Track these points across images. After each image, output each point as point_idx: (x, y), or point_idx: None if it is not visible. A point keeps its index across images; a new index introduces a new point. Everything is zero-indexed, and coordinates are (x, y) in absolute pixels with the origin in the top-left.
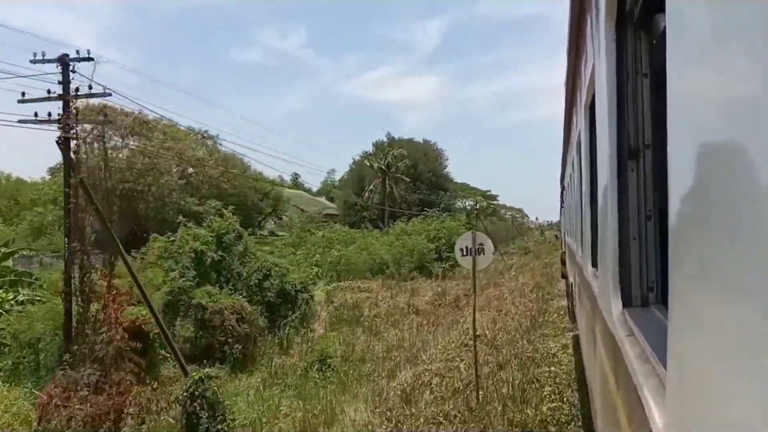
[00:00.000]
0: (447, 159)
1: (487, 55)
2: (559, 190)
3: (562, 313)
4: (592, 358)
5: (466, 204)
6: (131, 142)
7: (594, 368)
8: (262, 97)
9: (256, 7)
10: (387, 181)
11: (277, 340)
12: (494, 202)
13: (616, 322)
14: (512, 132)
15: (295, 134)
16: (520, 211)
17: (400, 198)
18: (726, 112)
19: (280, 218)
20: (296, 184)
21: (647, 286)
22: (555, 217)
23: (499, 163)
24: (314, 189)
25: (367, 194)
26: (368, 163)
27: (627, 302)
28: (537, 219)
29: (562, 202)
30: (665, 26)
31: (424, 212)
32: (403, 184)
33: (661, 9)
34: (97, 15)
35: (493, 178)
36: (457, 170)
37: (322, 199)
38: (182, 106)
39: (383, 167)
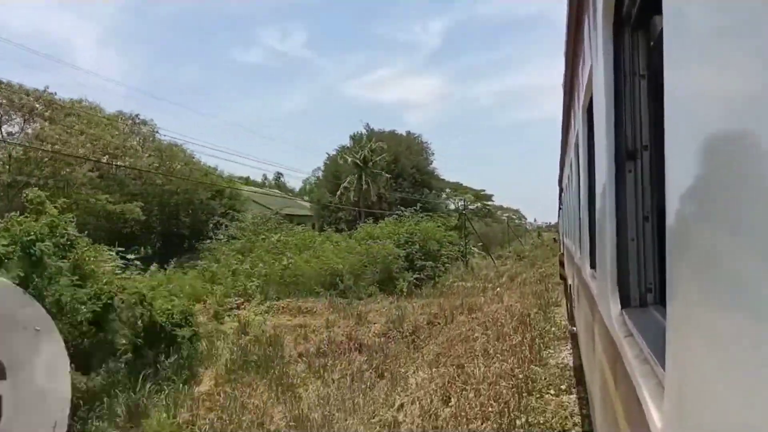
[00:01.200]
0: (433, 154)
1: (488, 54)
2: (558, 191)
3: (563, 386)
4: (591, 359)
5: (458, 203)
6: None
7: (593, 369)
8: (261, 98)
9: (255, 8)
10: (364, 178)
11: (124, 406)
12: (489, 203)
13: (614, 322)
14: (512, 132)
15: (295, 135)
16: (517, 212)
17: (377, 196)
18: (724, 113)
19: (238, 220)
20: (278, 184)
21: (645, 286)
22: (554, 219)
23: (498, 163)
24: (298, 189)
25: (340, 192)
26: (343, 159)
27: (625, 303)
28: (535, 220)
29: (560, 203)
30: (662, 28)
31: (397, 212)
32: (383, 180)
33: (659, 11)
34: (97, 15)
35: (492, 179)
36: (456, 170)
37: (299, 200)
38: (168, 112)
39: (359, 161)
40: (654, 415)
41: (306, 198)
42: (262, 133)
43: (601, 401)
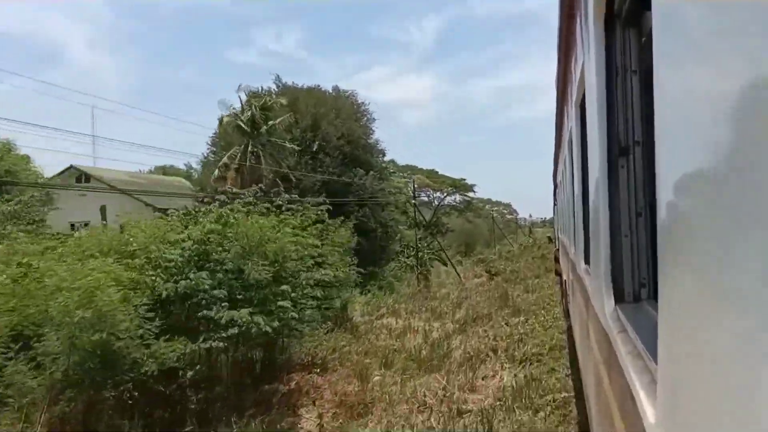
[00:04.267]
0: (374, 120)
1: (484, 52)
2: (552, 187)
3: None
4: (585, 354)
5: (409, 189)
6: None
7: (587, 364)
8: None
9: (250, 8)
10: (259, 150)
11: None
12: (469, 195)
13: (608, 318)
14: (509, 127)
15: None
16: (508, 206)
17: (278, 178)
18: (714, 109)
19: None
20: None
21: (639, 282)
22: (549, 214)
23: (495, 159)
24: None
25: (217, 173)
26: (223, 120)
27: (619, 298)
28: (530, 216)
29: (555, 199)
30: (653, 23)
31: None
32: (285, 154)
33: (650, 7)
34: (92, 16)
35: (490, 175)
36: (455, 168)
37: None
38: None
39: (244, 125)
40: (647, 410)
41: (191, 185)
42: None
43: (596, 396)
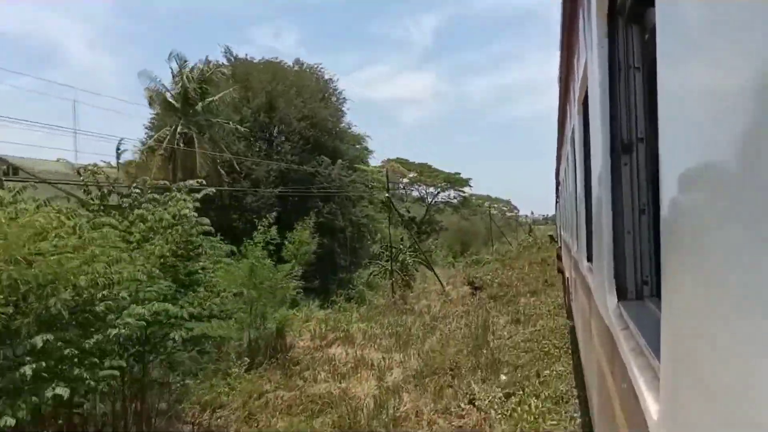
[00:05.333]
0: (345, 101)
1: (484, 49)
2: (555, 184)
3: None
4: (588, 352)
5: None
6: None
7: (590, 361)
8: None
9: (248, 6)
10: (192, 132)
11: None
12: (465, 190)
13: (611, 315)
14: (510, 125)
15: None
16: (508, 203)
17: (215, 164)
18: (717, 105)
19: None
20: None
21: (642, 279)
22: (552, 212)
23: (496, 156)
24: None
25: (139, 158)
26: (150, 96)
27: (622, 296)
28: (532, 213)
29: (557, 197)
30: (656, 20)
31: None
32: (239, 141)
33: (653, 2)
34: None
35: (491, 173)
36: (455, 166)
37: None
38: None
39: (174, 101)
40: (650, 407)
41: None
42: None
43: (599, 393)
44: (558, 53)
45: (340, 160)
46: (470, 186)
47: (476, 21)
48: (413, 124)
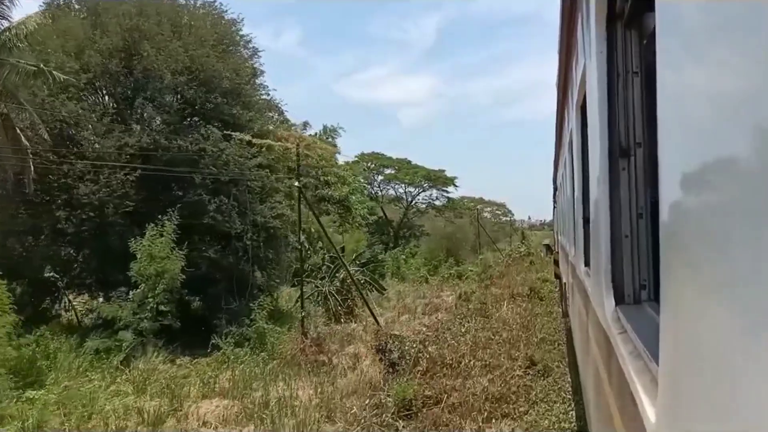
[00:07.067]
0: (257, 52)
1: (484, 51)
2: (552, 189)
3: None
4: (585, 356)
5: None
6: None
7: (587, 365)
8: None
9: (248, 7)
10: None
11: None
12: (448, 190)
13: (608, 319)
14: (509, 127)
15: None
16: (502, 206)
17: (18, 132)
18: (716, 110)
19: None
20: None
21: (639, 283)
22: (549, 216)
23: (495, 159)
24: None
25: None
26: None
27: (619, 300)
28: (530, 218)
29: (554, 201)
30: (655, 25)
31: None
32: (70, 101)
33: (652, 7)
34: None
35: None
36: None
37: None
38: None
39: None
40: (648, 411)
41: None
42: None
43: (596, 397)
44: (557, 57)
45: (237, 134)
46: (456, 186)
47: (478, 22)
48: (412, 124)
